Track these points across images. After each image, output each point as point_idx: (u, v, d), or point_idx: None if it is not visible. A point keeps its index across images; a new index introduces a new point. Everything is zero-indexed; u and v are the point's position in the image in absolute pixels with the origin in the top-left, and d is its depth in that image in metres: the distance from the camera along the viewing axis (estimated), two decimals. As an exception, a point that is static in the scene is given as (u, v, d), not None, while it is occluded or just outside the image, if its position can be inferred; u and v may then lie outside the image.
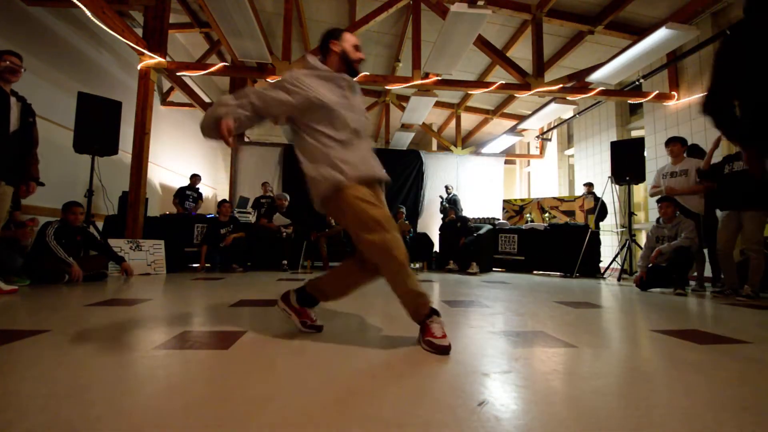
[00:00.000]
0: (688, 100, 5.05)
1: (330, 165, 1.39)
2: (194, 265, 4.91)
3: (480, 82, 6.17)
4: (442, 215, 6.44)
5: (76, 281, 3.15)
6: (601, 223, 5.66)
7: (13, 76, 2.53)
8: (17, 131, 2.55)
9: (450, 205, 6.62)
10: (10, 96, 2.53)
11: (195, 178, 6.44)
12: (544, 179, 8.97)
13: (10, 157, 2.52)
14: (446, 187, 7.01)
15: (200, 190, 6.49)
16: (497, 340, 1.48)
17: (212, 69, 4.97)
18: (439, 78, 5.34)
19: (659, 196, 3.65)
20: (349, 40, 1.59)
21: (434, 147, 9.73)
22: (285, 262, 5.17)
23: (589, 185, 6.14)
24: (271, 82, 1.48)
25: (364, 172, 1.42)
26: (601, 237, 5.47)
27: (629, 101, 5.69)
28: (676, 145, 3.76)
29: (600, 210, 5.42)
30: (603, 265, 5.18)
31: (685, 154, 3.79)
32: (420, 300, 1.36)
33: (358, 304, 2.29)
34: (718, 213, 3.33)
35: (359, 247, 1.40)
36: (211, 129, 1.39)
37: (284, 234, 5.32)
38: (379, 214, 1.34)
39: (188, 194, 6.21)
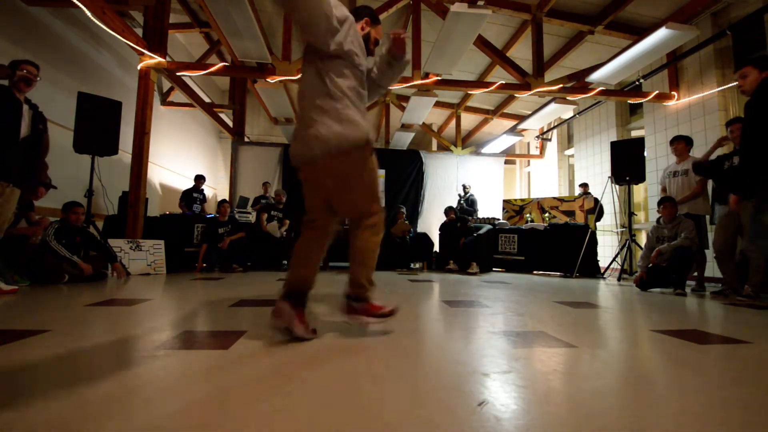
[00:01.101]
0: (687, 100, 5.05)
1: (360, 119, 1.43)
2: (185, 265, 4.87)
3: (480, 82, 6.17)
4: (463, 215, 6.53)
5: (86, 278, 3.22)
6: (599, 223, 5.66)
7: (28, 86, 2.60)
8: (27, 137, 2.61)
9: (467, 205, 6.63)
10: (23, 104, 2.59)
11: (200, 180, 6.42)
12: (544, 179, 8.97)
13: (19, 161, 2.57)
14: (464, 186, 6.96)
15: (204, 192, 6.49)
16: (497, 340, 1.47)
17: (212, 69, 4.97)
18: (439, 78, 5.34)
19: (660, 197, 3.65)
20: (379, 32, 1.67)
21: (434, 147, 9.73)
22: (285, 262, 5.17)
23: (585, 185, 6.15)
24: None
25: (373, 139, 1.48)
26: (599, 237, 5.47)
27: (629, 101, 5.69)
28: (680, 143, 3.76)
29: (597, 210, 5.42)
30: (600, 264, 5.18)
31: (690, 153, 3.78)
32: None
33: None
34: (717, 209, 3.33)
35: (362, 210, 1.51)
36: None
37: (282, 235, 5.33)
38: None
39: (195, 197, 6.20)
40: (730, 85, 4.55)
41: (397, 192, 7.69)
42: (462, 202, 6.74)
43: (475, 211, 6.66)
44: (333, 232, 1.60)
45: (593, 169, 7.08)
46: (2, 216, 2.55)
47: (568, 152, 8.43)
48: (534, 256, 5.44)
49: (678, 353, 1.35)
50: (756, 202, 2.17)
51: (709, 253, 3.73)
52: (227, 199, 6.57)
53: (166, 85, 7.36)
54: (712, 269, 4.09)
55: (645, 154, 5.23)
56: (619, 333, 1.72)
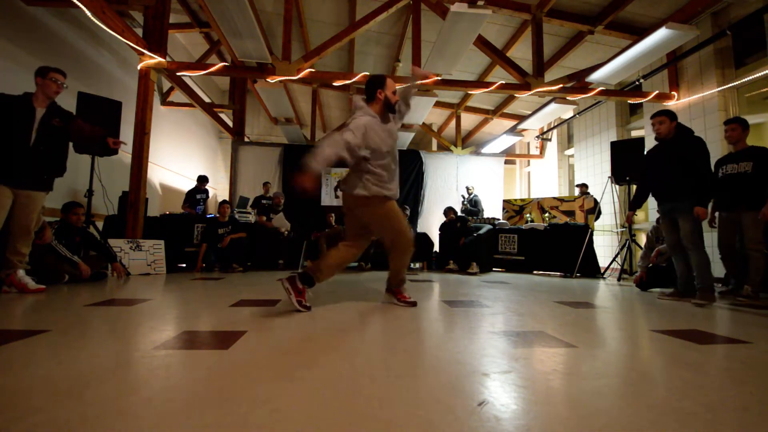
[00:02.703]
0: (687, 100, 5.05)
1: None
2: (182, 265, 4.90)
3: (480, 82, 6.16)
4: (464, 215, 6.59)
5: (85, 279, 3.20)
6: (596, 223, 5.65)
7: (55, 95, 2.67)
8: (37, 140, 2.61)
9: (471, 206, 6.63)
10: (36, 109, 2.61)
11: (203, 181, 6.39)
12: (544, 179, 8.97)
13: (31, 167, 2.58)
14: (467, 188, 6.98)
15: (208, 191, 6.47)
16: (497, 340, 1.47)
17: (212, 69, 4.97)
18: (439, 78, 5.34)
19: None
20: (390, 87, 2.15)
21: (434, 147, 9.73)
22: (281, 261, 5.18)
23: (583, 186, 6.15)
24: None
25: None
26: (595, 237, 5.46)
27: (629, 101, 5.69)
28: None
29: (596, 210, 5.42)
30: (601, 264, 5.18)
31: None
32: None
33: (357, 305, 2.30)
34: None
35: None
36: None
37: (285, 233, 5.33)
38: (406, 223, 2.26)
39: (198, 198, 6.18)
40: (730, 85, 4.55)
41: (397, 192, 7.69)
42: (466, 203, 6.75)
43: (480, 210, 6.67)
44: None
45: (593, 169, 7.08)
46: (24, 218, 2.59)
47: (568, 152, 8.43)
48: (534, 256, 5.44)
49: (678, 353, 1.35)
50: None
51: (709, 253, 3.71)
52: (227, 199, 6.58)
53: (166, 85, 7.36)
54: (713, 269, 4.08)
55: (645, 154, 5.22)
56: (619, 333, 1.72)
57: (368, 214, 2.16)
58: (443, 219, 5.99)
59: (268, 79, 5.12)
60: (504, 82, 5.36)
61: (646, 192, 3.12)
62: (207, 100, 7.81)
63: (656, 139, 2.98)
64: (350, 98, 8.87)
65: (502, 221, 6.35)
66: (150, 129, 4.65)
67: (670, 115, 2.88)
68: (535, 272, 5.42)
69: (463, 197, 6.99)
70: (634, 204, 3.24)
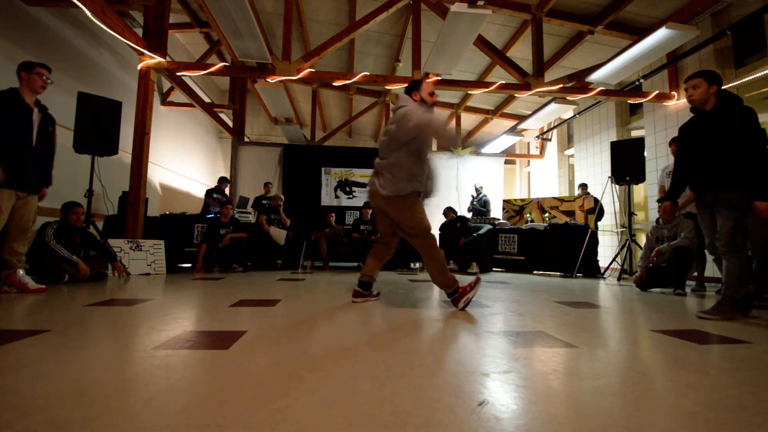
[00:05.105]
0: (688, 100, 5.05)
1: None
2: (184, 265, 4.89)
3: (480, 82, 6.16)
4: (471, 214, 6.64)
5: (85, 279, 3.20)
6: (599, 223, 5.66)
7: (42, 90, 2.66)
8: (37, 143, 2.65)
9: (480, 206, 6.64)
10: (33, 108, 2.63)
11: (222, 182, 6.33)
12: (544, 179, 8.97)
13: (32, 169, 2.62)
14: (476, 188, 6.90)
15: (225, 193, 6.39)
16: (497, 340, 1.47)
17: (212, 69, 4.97)
18: (439, 78, 5.34)
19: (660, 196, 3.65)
20: (425, 89, 2.27)
21: (434, 147, 9.73)
22: (280, 261, 5.17)
23: (584, 186, 6.14)
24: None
25: None
26: (600, 237, 5.47)
27: (629, 101, 5.69)
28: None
29: (597, 210, 5.42)
30: (601, 264, 5.19)
31: None
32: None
33: (357, 305, 2.29)
34: None
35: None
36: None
37: (290, 236, 5.34)
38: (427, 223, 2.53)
39: (216, 198, 6.15)
40: (730, 85, 4.55)
41: (397, 192, 7.69)
42: (475, 203, 6.74)
43: (488, 211, 6.66)
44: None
45: (593, 169, 7.08)
46: (23, 220, 2.62)
47: (568, 152, 8.43)
48: (534, 256, 5.44)
49: (678, 353, 1.35)
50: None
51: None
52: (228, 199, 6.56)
53: (166, 85, 7.36)
54: (711, 269, 4.09)
55: (645, 154, 5.22)
56: (619, 333, 1.72)
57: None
58: (443, 219, 5.99)
59: (268, 79, 5.12)
60: (504, 82, 5.36)
61: (683, 179, 2.41)
62: (207, 100, 7.81)
63: (691, 110, 2.35)
64: (351, 98, 8.87)
65: (502, 221, 6.35)
66: (150, 129, 4.65)
67: (708, 76, 2.22)
68: (535, 272, 5.42)
69: (473, 197, 6.97)
70: (670, 194, 2.48)
